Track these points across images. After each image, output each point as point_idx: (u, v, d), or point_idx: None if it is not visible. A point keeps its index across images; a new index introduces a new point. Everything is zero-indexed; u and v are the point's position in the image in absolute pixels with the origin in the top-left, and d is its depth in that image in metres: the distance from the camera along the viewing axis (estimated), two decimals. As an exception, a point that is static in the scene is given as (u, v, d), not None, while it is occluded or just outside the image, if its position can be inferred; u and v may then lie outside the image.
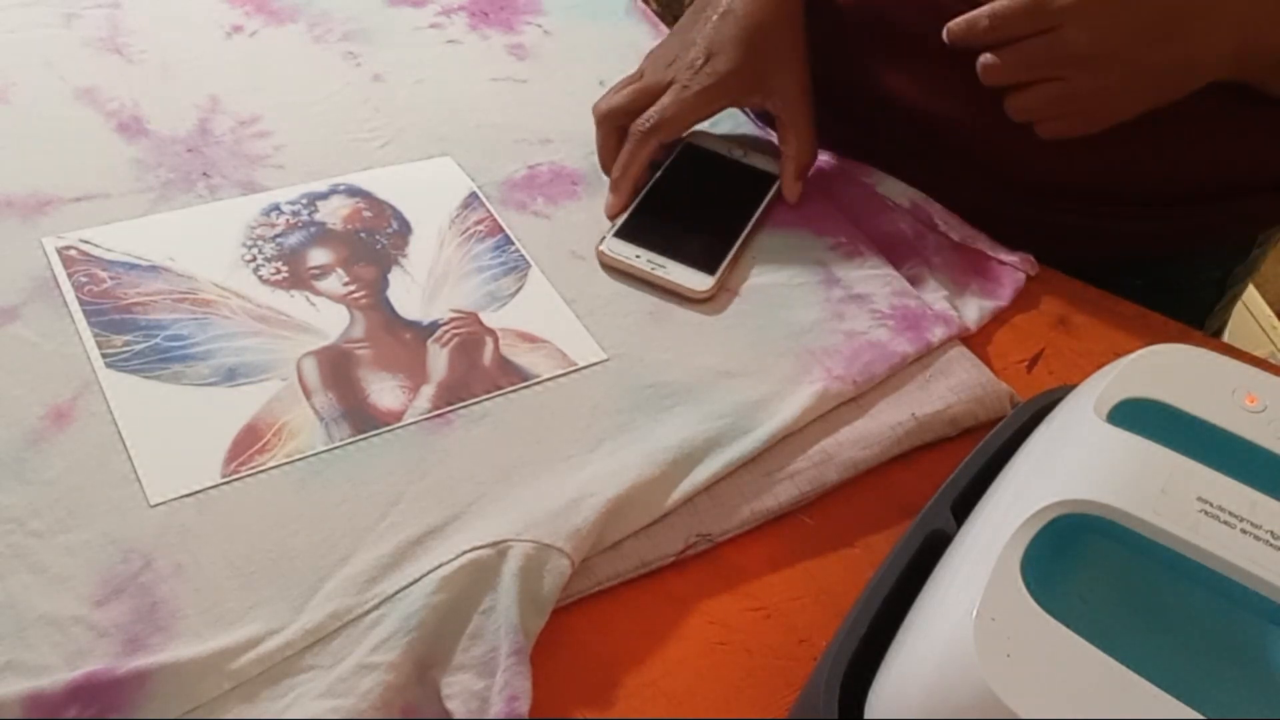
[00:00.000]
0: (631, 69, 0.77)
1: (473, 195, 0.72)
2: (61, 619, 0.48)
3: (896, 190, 0.76)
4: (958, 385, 0.63)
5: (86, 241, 0.65)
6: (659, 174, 0.73)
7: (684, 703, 0.50)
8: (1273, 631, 0.43)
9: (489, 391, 0.60)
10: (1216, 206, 0.75)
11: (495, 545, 0.52)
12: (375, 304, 0.64)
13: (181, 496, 0.53)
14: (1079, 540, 0.44)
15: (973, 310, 0.69)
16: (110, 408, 0.56)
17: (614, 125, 0.73)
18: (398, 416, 0.58)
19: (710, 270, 0.67)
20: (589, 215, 0.72)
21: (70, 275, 0.63)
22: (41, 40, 0.79)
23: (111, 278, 0.63)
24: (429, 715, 0.48)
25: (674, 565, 0.55)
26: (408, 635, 0.48)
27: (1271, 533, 0.42)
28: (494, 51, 0.85)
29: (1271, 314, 1.63)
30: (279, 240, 0.67)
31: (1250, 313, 1.61)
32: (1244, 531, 0.42)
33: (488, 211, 0.71)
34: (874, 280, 0.69)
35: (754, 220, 0.71)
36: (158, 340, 0.60)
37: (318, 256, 0.67)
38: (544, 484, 0.56)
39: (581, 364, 0.62)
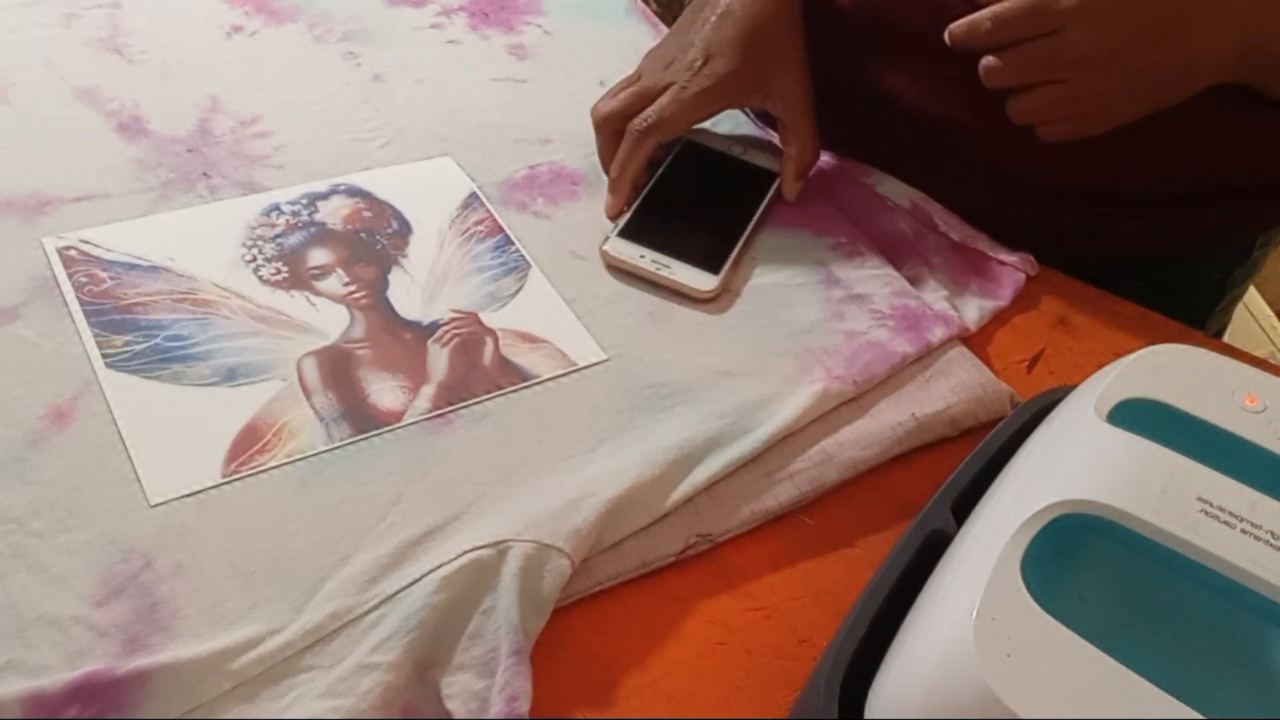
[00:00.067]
0: (631, 69, 0.77)
1: (473, 195, 0.72)
2: (61, 619, 0.48)
3: (896, 190, 0.76)
4: (958, 385, 0.63)
5: (86, 241, 0.65)
6: (660, 172, 0.73)
7: (684, 703, 0.50)
8: (1273, 631, 0.43)
9: (489, 391, 0.60)
10: (1217, 207, 0.75)
11: (495, 545, 0.52)
12: (375, 304, 0.64)
13: (181, 496, 0.53)
14: (1079, 540, 0.44)
15: (973, 310, 0.69)
16: (110, 408, 0.56)
17: (613, 129, 0.73)
18: (398, 416, 0.58)
19: (714, 270, 0.67)
20: (589, 215, 0.72)
21: (70, 275, 0.63)
22: (41, 40, 0.79)
23: (112, 278, 0.63)
24: (429, 715, 0.48)
25: (674, 565, 0.55)
26: (408, 635, 0.48)
27: (1271, 533, 0.42)
28: (494, 51, 0.85)
29: (1271, 314, 1.63)
30: (279, 240, 0.67)
31: (1250, 313, 1.61)
32: (1244, 531, 0.42)
33: (488, 211, 0.71)
34: (874, 280, 0.69)
35: (755, 219, 0.71)
36: (158, 340, 0.60)
37: (318, 257, 0.67)
38: (544, 484, 0.56)
39: (581, 364, 0.62)
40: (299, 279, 0.65)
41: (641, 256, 0.67)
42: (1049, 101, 0.65)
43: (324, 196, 0.71)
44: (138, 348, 0.59)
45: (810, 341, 0.65)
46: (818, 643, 0.52)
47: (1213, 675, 0.43)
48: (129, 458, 0.54)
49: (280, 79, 0.79)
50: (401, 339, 0.62)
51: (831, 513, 0.58)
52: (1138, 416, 0.47)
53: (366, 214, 0.70)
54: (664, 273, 0.67)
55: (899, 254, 0.72)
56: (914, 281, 0.70)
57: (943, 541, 0.48)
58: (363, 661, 0.48)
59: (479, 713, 0.47)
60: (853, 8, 0.77)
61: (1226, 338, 0.91)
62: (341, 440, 0.57)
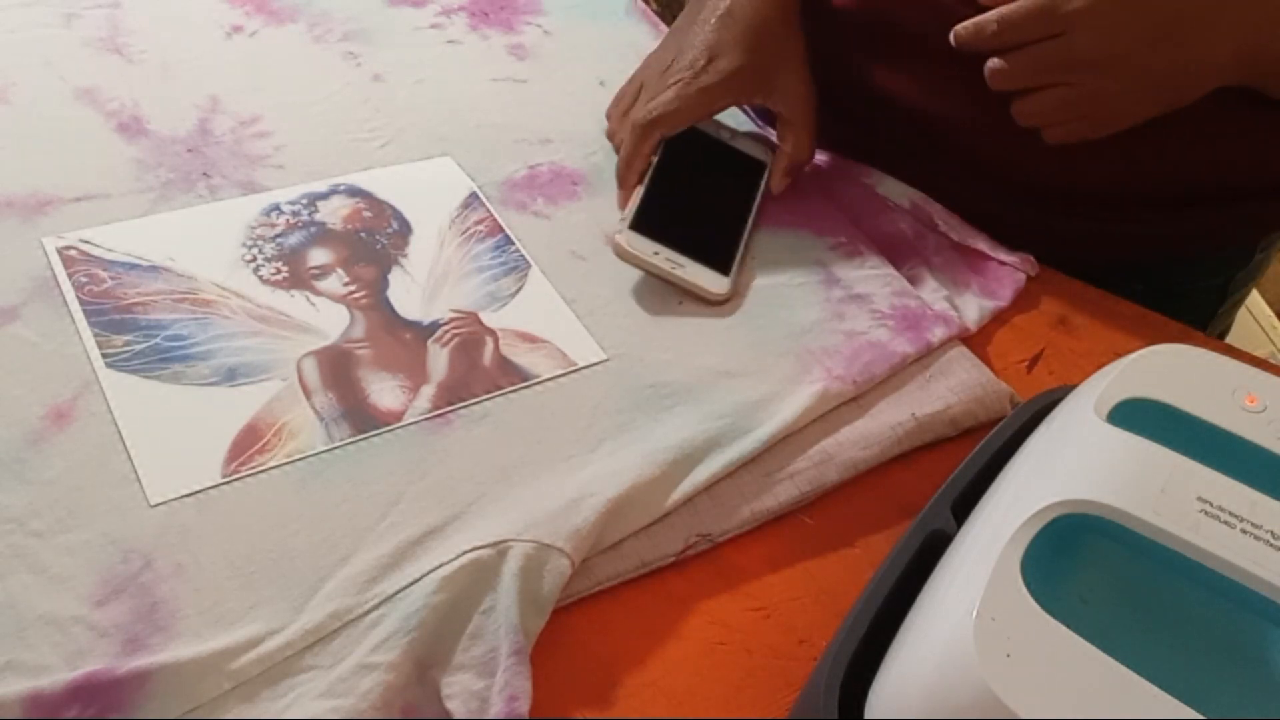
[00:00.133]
0: (631, 69, 0.77)
1: (473, 195, 0.72)
2: (61, 619, 0.48)
3: (896, 190, 0.76)
4: (958, 385, 0.63)
5: (87, 241, 0.65)
6: (657, 159, 0.72)
7: (684, 703, 0.50)
8: (1273, 631, 0.43)
9: (489, 391, 0.60)
10: (1219, 210, 0.75)
11: (495, 545, 0.52)
12: (375, 304, 0.64)
13: (181, 496, 0.53)
14: (1079, 540, 0.44)
15: (973, 310, 0.69)
16: (110, 408, 0.56)
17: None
18: (398, 416, 0.58)
19: (724, 271, 0.67)
20: (589, 215, 0.72)
21: (70, 275, 0.63)
22: (41, 40, 0.79)
23: (112, 278, 0.63)
24: (429, 715, 0.48)
25: (674, 565, 0.55)
26: (408, 635, 0.48)
27: (1271, 533, 0.42)
28: (494, 51, 0.85)
29: (1272, 314, 1.63)
30: (279, 240, 0.67)
31: (1251, 313, 1.61)
32: (1244, 531, 0.42)
33: (488, 211, 0.71)
34: (874, 280, 0.69)
35: (753, 214, 0.72)
36: (158, 340, 0.60)
37: (318, 256, 0.67)
38: (544, 484, 0.56)
39: (581, 364, 0.62)
40: (299, 279, 0.65)
41: (656, 254, 0.67)
42: (1054, 104, 0.65)
43: (324, 196, 0.71)
44: (138, 347, 0.59)
45: (810, 341, 0.65)
46: (818, 643, 0.52)
47: (1213, 675, 0.43)
48: (129, 458, 0.54)
49: (280, 79, 0.79)
50: (401, 339, 0.62)
51: (831, 513, 0.58)
52: (1138, 416, 0.47)
53: (366, 214, 0.70)
54: (678, 272, 0.66)
55: (899, 254, 0.72)
56: (914, 281, 0.70)
57: (943, 541, 0.48)
58: (363, 661, 0.48)
59: (479, 713, 0.47)
60: (853, 8, 0.77)
61: (1227, 339, 0.91)
62: (341, 440, 0.57)
